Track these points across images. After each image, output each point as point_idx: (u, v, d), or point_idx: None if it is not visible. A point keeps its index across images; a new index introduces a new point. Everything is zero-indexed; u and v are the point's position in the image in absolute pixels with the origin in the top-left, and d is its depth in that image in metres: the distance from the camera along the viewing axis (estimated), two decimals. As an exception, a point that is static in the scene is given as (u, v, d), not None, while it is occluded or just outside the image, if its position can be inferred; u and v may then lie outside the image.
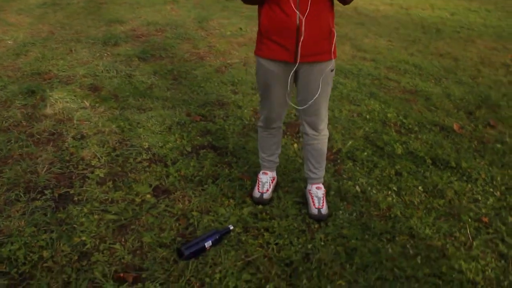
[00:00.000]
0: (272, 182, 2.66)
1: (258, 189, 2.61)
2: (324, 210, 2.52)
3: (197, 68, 4.61)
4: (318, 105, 2.33)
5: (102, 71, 4.39)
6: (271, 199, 2.62)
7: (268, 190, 2.61)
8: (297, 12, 2.04)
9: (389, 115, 3.79)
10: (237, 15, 6.86)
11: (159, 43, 5.36)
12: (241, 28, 6.10)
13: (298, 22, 2.06)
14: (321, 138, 2.47)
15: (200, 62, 4.80)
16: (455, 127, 3.70)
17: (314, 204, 2.53)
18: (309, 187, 2.62)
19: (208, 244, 2.19)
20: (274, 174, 2.71)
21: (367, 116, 3.74)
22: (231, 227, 2.33)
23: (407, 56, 5.46)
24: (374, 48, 5.74)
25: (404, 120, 3.74)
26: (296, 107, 2.40)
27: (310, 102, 2.30)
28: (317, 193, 2.57)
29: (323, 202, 2.54)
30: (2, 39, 5.43)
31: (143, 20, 6.37)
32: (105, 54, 4.93)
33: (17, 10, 7.07)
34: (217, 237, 2.24)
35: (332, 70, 2.27)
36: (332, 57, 2.21)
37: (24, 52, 4.93)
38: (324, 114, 2.40)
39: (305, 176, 2.64)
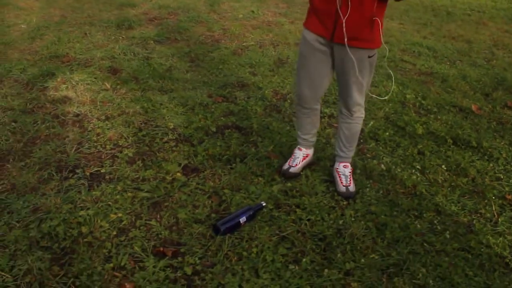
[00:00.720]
0: (303, 160, 2.71)
1: (289, 162, 2.69)
2: (352, 188, 2.57)
3: (214, 50, 4.63)
4: (351, 88, 2.36)
5: (119, 54, 4.41)
6: (297, 175, 2.67)
7: (297, 165, 2.67)
8: None
9: (407, 96, 3.82)
10: (247, -1, 6.84)
11: (173, 26, 5.36)
12: (253, 11, 6.09)
13: (338, 4, 2.08)
14: (353, 119, 2.51)
15: (216, 44, 4.82)
16: (474, 108, 3.73)
17: (341, 182, 2.58)
18: (336, 165, 2.67)
19: (242, 220, 2.24)
20: (308, 152, 2.75)
21: (386, 97, 3.77)
22: (264, 204, 2.38)
23: (420, 39, 5.47)
24: (387, 30, 5.73)
25: (423, 101, 3.77)
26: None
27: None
28: (344, 171, 2.62)
29: (350, 180, 2.59)
30: (15, 23, 5.42)
31: (154, 3, 6.35)
32: (120, 37, 4.94)
33: (26, -6, 7.04)
34: (251, 213, 2.29)
35: (370, 57, 2.26)
36: (372, 46, 2.23)
37: (39, 36, 4.93)
38: (358, 98, 2.42)
39: (335, 154, 2.69)
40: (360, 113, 2.51)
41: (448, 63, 4.79)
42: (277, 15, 6.08)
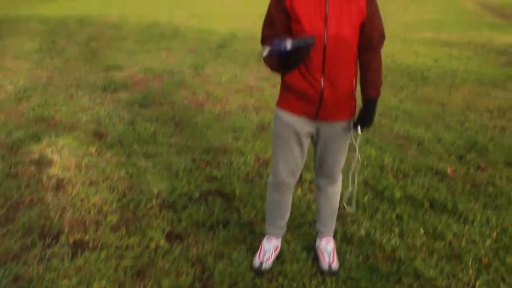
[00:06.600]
0: (274, 252, 2.56)
1: (259, 256, 2.51)
2: (335, 265, 2.52)
3: (197, 115, 4.76)
4: (335, 162, 2.39)
5: (104, 117, 4.51)
6: (270, 269, 2.50)
7: (269, 259, 2.50)
8: (322, 77, 2.07)
9: (385, 160, 3.96)
10: (231, 62, 7.09)
11: (158, 89, 5.52)
12: (236, 76, 6.31)
13: (322, 86, 2.08)
14: (334, 192, 2.52)
15: (200, 109, 4.96)
16: (449, 171, 3.87)
17: (324, 259, 2.54)
18: (318, 241, 2.64)
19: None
20: (278, 242, 2.62)
21: (365, 162, 3.90)
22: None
23: (397, 103, 5.70)
24: (365, 94, 5.96)
25: (400, 165, 3.90)
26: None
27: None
28: (326, 248, 2.58)
29: (333, 256, 2.55)
30: (2, 84, 5.54)
31: (141, 66, 6.55)
32: (106, 101, 5.07)
33: (13, 55, 7.21)
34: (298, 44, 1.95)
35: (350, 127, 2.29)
36: (354, 113, 2.26)
37: (26, 98, 5.04)
38: (339, 169, 2.45)
39: (317, 229, 2.66)
40: (339, 184, 2.53)
41: (424, 126, 4.98)
42: (258, 79, 6.30)
